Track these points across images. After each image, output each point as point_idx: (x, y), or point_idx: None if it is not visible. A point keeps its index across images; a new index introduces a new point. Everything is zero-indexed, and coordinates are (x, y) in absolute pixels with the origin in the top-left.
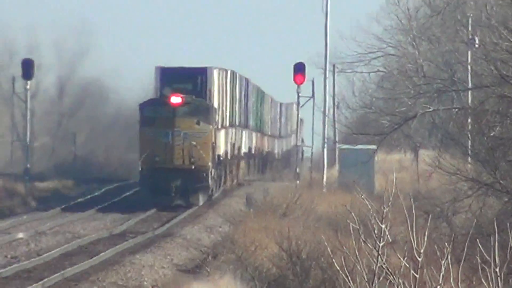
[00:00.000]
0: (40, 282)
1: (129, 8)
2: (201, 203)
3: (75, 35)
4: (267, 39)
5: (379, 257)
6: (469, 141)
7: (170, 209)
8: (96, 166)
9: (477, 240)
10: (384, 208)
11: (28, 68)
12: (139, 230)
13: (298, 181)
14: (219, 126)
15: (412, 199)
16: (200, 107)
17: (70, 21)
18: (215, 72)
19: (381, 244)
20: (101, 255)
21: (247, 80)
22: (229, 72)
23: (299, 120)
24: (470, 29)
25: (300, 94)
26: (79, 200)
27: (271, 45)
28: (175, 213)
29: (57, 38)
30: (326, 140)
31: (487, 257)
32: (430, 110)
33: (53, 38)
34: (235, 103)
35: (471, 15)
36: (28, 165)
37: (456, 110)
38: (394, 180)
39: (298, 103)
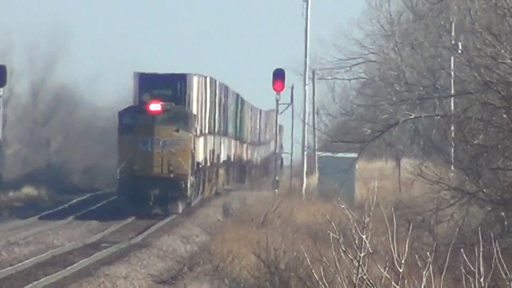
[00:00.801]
0: None
1: (106, 13)
2: (180, 211)
3: (48, 39)
4: (246, 45)
5: (359, 267)
6: (452, 149)
7: (148, 217)
8: (71, 175)
9: (461, 250)
10: (365, 217)
11: (0, 74)
12: (114, 240)
13: (276, 190)
14: (198, 134)
15: (393, 208)
16: (180, 115)
17: (43, 25)
18: (195, 79)
19: (361, 255)
20: (75, 265)
21: (226, 87)
22: (208, 78)
23: (277, 127)
24: (453, 34)
25: (279, 101)
26: (53, 209)
27: (250, 51)
28: (152, 222)
29: (29, 42)
30: (305, 148)
31: (471, 267)
32: (412, 117)
33: (25, 42)
34: (214, 110)
35: (455, 19)
36: (0, 173)
37: (439, 117)
38: (375, 188)
39: (277, 110)
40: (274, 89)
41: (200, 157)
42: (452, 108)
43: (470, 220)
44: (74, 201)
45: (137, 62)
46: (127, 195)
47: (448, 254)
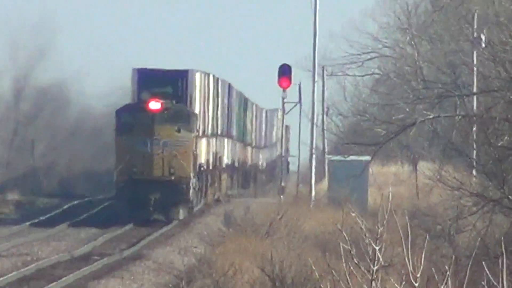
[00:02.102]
0: None
1: (96, 3)
2: (181, 217)
3: (32, 33)
4: (249, 39)
5: (372, 282)
6: (474, 152)
7: (147, 225)
8: (57, 179)
9: (483, 262)
10: (378, 227)
11: None
12: (106, 252)
13: (282, 196)
14: (201, 134)
15: (410, 217)
16: (181, 113)
17: (27, 17)
18: (197, 76)
19: (375, 268)
20: (62, 280)
21: (230, 86)
22: (211, 76)
23: (284, 128)
24: (476, 26)
25: (285, 100)
26: (39, 217)
27: (253, 45)
28: (148, 230)
29: (12, 36)
30: (314, 151)
31: (493, 281)
32: (431, 117)
33: (7, 36)
34: (218, 111)
35: (477, 11)
36: None
37: (460, 117)
38: (390, 195)
39: (283, 110)
40: (280, 86)
41: (202, 159)
42: (475, 107)
43: (494, 230)
44: (62, 208)
45: (131, 58)
46: (125, 200)
47: (470, 267)
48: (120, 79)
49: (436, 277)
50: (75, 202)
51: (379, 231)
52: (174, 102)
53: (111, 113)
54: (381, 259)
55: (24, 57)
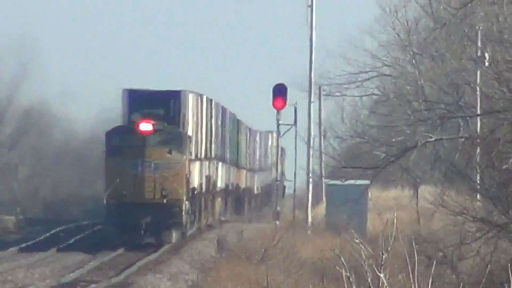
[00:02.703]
0: None
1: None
2: (174, 240)
3: (14, 53)
4: (242, 57)
5: None
6: (478, 175)
7: (138, 249)
8: (42, 204)
9: None
10: (382, 253)
11: None
12: (93, 279)
13: (277, 221)
14: (193, 157)
15: (410, 243)
16: (173, 135)
17: (8, 37)
18: (190, 97)
19: None
20: None
21: (223, 108)
22: (204, 98)
23: (279, 151)
24: (479, 44)
25: (280, 122)
26: (24, 243)
27: (246, 64)
28: (138, 256)
29: None
30: (311, 175)
31: None
32: (433, 139)
33: None
34: (211, 133)
35: (481, 28)
36: None
37: (463, 139)
38: (391, 220)
39: (278, 132)
40: (275, 107)
41: (195, 182)
42: (478, 129)
43: (499, 256)
44: (48, 234)
45: (119, 79)
46: (116, 223)
47: None
48: (107, 100)
49: None
50: (62, 227)
51: (383, 257)
52: (165, 123)
53: (98, 136)
54: (386, 286)
55: (6, 78)
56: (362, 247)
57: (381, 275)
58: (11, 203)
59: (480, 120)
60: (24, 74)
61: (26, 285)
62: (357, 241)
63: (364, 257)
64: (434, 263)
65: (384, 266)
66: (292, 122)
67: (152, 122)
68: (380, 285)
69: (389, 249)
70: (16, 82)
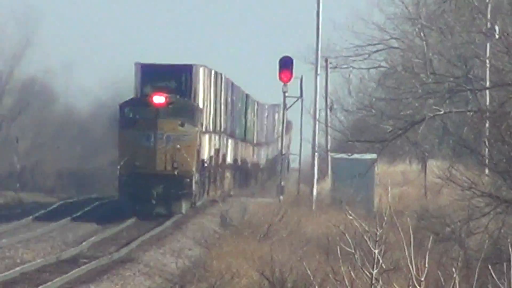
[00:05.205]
0: None
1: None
2: (184, 211)
3: (16, 24)
4: (248, 30)
5: (372, 286)
6: (487, 150)
7: (148, 219)
8: (43, 178)
9: (496, 265)
10: (377, 229)
11: None
12: (94, 255)
13: (281, 196)
14: (204, 130)
15: (418, 218)
16: (185, 108)
17: (11, 8)
18: (201, 71)
19: (374, 272)
20: (48, 284)
21: (232, 83)
22: (213, 72)
23: (284, 124)
24: (489, 16)
25: (286, 94)
26: (23, 218)
27: (253, 37)
28: (136, 233)
29: None
30: (316, 148)
31: (507, 286)
32: (441, 113)
33: None
34: (221, 108)
35: (491, 0)
36: None
37: (472, 113)
38: (397, 195)
39: (284, 105)
40: (281, 79)
41: (205, 155)
42: (487, 102)
43: (507, 232)
44: (48, 209)
45: (127, 53)
46: (128, 193)
47: (480, 271)
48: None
49: (442, 281)
50: (62, 202)
51: (378, 233)
52: (178, 96)
53: (100, 111)
54: (381, 263)
55: (7, 49)
56: (359, 222)
57: (376, 251)
58: (11, 176)
59: (489, 93)
60: (27, 45)
61: (26, 261)
62: (351, 217)
63: (362, 233)
64: (437, 239)
65: (379, 242)
66: (298, 94)
67: (165, 95)
68: (377, 260)
69: (384, 224)
70: (17, 54)
